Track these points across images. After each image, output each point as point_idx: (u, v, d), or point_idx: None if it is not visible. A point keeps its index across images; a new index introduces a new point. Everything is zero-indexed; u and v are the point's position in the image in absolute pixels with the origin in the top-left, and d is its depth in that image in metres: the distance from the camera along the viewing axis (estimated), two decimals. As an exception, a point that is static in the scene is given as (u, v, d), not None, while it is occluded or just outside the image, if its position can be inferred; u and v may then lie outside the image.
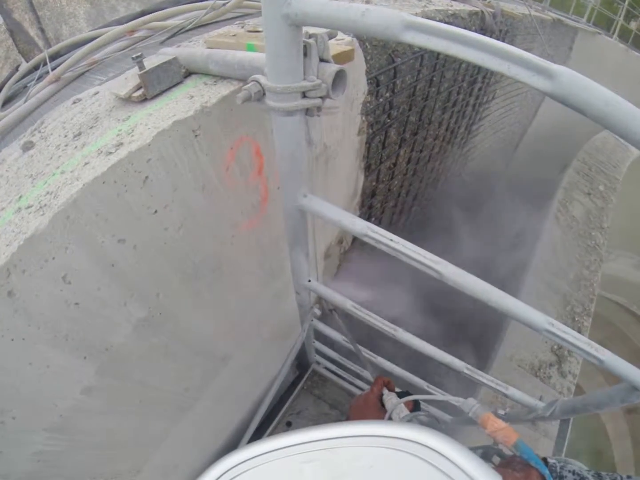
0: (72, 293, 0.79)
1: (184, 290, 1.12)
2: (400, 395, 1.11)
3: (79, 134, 0.94)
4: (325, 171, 1.62)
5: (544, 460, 0.78)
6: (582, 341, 0.88)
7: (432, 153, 3.62)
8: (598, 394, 1.10)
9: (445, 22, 2.48)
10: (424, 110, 2.83)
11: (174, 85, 1.01)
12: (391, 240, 0.91)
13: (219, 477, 0.56)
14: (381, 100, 2.02)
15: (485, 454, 1.20)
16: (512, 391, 1.54)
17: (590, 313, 3.96)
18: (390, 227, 3.78)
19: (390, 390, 1.15)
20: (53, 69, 1.44)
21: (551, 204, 4.68)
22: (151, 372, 1.16)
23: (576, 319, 3.85)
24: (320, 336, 2.07)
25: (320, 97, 0.75)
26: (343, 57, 1.06)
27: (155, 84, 0.96)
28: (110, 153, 0.79)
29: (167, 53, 1.08)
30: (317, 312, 1.78)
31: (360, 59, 1.64)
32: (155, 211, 0.89)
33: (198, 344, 1.35)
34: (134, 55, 0.91)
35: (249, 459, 0.56)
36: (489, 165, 6.02)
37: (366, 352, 1.82)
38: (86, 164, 0.79)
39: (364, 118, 1.81)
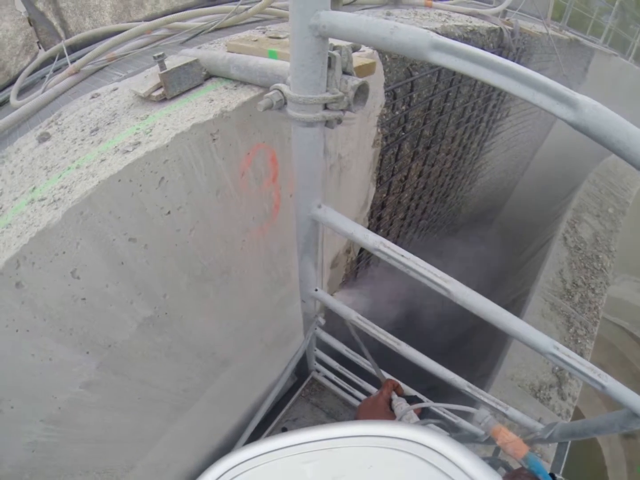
0: (80, 288, 0.79)
1: (191, 292, 1.12)
2: (409, 399, 1.11)
3: (96, 129, 0.94)
4: (338, 181, 1.61)
5: (552, 475, 0.78)
6: (586, 366, 0.88)
7: (443, 168, 3.61)
8: (598, 419, 1.10)
9: (464, 38, 2.50)
10: (438, 125, 2.82)
11: (194, 87, 1.01)
12: (402, 256, 0.91)
13: (218, 477, 0.55)
14: (397, 113, 2.02)
15: (492, 465, 1.18)
16: (512, 411, 1.54)
17: (593, 336, 3.91)
18: (398, 239, 3.77)
19: (399, 394, 1.14)
20: (72, 62, 1.46)
21: (559, 225, 4.64)
22: (152, 370, 1.16)
23: (579, 341, 3.81)
24: (321, 344, 2.06)
25: (342, 110, 0.74)
26: (364, 70, 1.06)
27: (176, 85, 0.97)
28: (127, 152, 0.79)
29: (189, 54, 1.08)
30: (322, 321, 1.77)
31: (379, 72, 1.64)
32: (169, 212, 0.89)
33: (201, 345, 1.35)
34: (155, 54, 0.92)
35: (249, 459, 0.56)
36: (499, 182, 6.00)
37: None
38: (102, 160, 0.79)
39: (379, 130, 1.81)
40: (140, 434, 1.31)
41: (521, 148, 5.92)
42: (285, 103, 0.75)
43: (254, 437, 1.90)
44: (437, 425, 1.10)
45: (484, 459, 1.20)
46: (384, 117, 1.83)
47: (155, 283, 0.97)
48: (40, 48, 1.74)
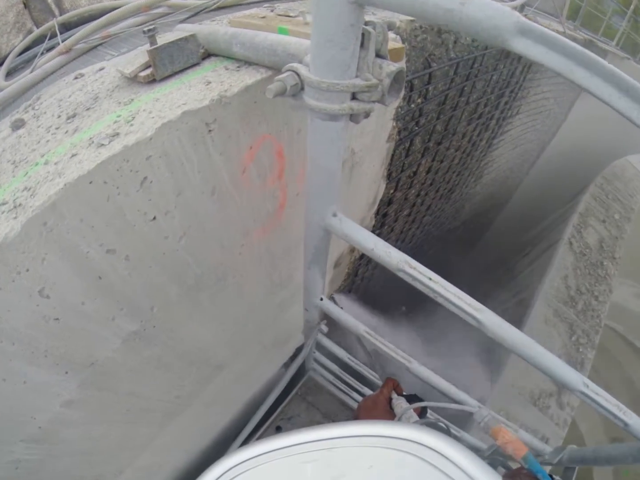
0: (52, 308, 0.69)
1: (183, 302, 1.01)
2: (409, 398, 1.10)
3: (74, 115, 0.79)
4: (348, 179, 1.47)
5: (551, 476, 0.79)
6: (612, 403, 0.86)
7: (451, 164, 3.49)
8: (610, 448, 1.10)
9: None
10: (451, 120, 2.69)
11: (190, 67, 0.86)
12: (430, 279, 0.78)
13: (219, 477, 0.55)
14: (412, 106, 1.87)
15: (491, 464, 1.15)
16: (522, 433, 1.53)
17: (594, 345, 3.84)
18: (402, 235, 3.67)
19: (399, 393, 1.13)
20: (64, 40, 1.34)
21: (566, 228, 4.53)
22: (141, 383, 1.09)
23: (580, 349, 3.74)
24: (321, 347, 1.99)
25: (373, 102, 0.59)
26: (393, 56, 0.89)
27: (167, 64, 0.81)
28: (102, 145, 0.65)
29: (185, 29, 0.93)
30: (325, 328, 1.69)
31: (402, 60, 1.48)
32: (154, 218, 0.76)
33: (194, 354, 1.27)
34: (145, 29, 0.77)
35: (249, 459, 0.55)
36: (503, 179, 5.90)
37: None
38: (73, 155, 0.65)
39: (394, 124, 1.66)
40: (130, 443, 1.25)
41: (528, 147, 5.82)
42: (302, 89, 0.60)
43: (249, 435, 1.98)
44: (436, 424, 1.10)
45: (484, 458, 1.17)
46: (399, 109, 1.68)
47: (140, 296, 0.87)
48: (34, 26, 1.60)
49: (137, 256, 0.78)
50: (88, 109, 0.79)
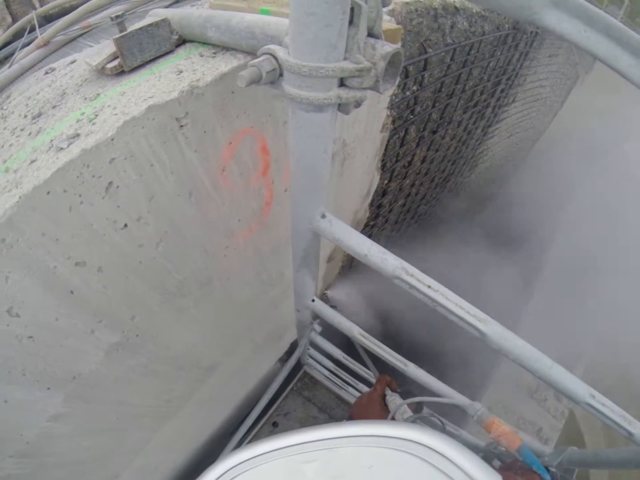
0: (23, 327, 0.66)
1: (166, 309, 0.96)
2: (402, 394, 1.11)
3: (39, 115, 0.72)
4: (340, 172, 1.39)
5: (546, 468, 0.79)
6: (617, 414, 0.85)
7: (447, 153, 3.42)
8: (612, 452, 1.09)
9: (480, 16, 2.25)
10: (447, 108, 2.60)
11: (162, 56, 0.77)
12: (429, 287, 0.71)
13: (218, 477, 0.55)
14: (407, 93, 1.78)
15: (486, 457, 1.17)
16: (522, 435, 1.52)
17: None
18: (396, 225, 3.60)
19: (393, 389, 1.13)
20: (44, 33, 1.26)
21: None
22: (129, 391, 1.06)
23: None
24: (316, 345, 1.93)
25: (365, 89, 0.51)
26: (387, 38, 0.80)
27: (136, 52, 0.73)
28: (61, 149, 0.57)
29: (158, 15, 0.83)
30: (318, 328, 1.63)
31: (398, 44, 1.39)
32: (125, 225, 0.69)
33: (183, 358, 1.23)
34: (113, 15, 0.71)
35: (249, 459, 0.55)
36: (498, 168, 5.83)
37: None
38: (32, 161, 0.58)
39: (389, 113, 1.57)
40: (123, 448, 1.23)
41: (524, 135, 5.73)
42: (281, 75, 0.52)
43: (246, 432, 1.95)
44: (431, 418, 1.12)
45: (479, 451, 1.17)
46: (394, 97, 1.59)
47: (119, 307, 0.82)
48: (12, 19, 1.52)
49: (110, 267, 0.72)
50: (54, 107, 0.72)
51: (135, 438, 1.27)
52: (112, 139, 0.58)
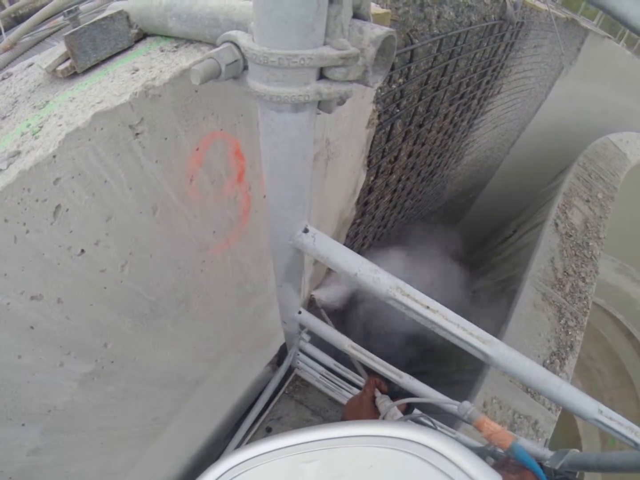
0: None
1: (141, 332, 0.90)
2: (392, 396, 1.11)
3: None
4: (323, 172, 1.30)
5: (540, 464, 0.78)
6: (625, 426, 0.84)
7: (433, 147, 3.36)
8: (614, 456, 1.08)
9: (467, 6, 2.19)
10: (433, 101, 2.54)
11: (120, 53, 0.67)
12: (427, 307, 0.62)
13: (218, 477, 0.54)
14: (394, 87, 1.70)
15: (479, 455, 1.12)
16: (522, 440, 1.52)
17: (583, 327, 3.82)
18: (383, 221, 3.55)
19: (382, 391, 1.13)
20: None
21: (551, 209, 4.45)
22: (110, 417, 1.02)
23: (569, 332, 3.71)
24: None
25: (351, 81, 0.42)
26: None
27: (90, 51, 0.63)
28: (0, 171, 0.47)
29: (117, 7, 0.74)
30: (307, 337, 1.59)
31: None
32: (82, 251, 0.61)
33: (165, 377, 1.18)
34: (66, 9, 0.63)
35: (248, 459, 0.55)
36: (484, 159, 5.82)
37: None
38: None
39: (374, 107, 1.48)
40: (111, 469, 1.20)
41: (509, 126, 5.74)
42: (246, 67, 0.42)
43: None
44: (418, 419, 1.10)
45: (472, 449, 1.16)
46: (379, 91, 1.51)
47: (87, 336, 0.76)
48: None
49: (71, 297, 0.64)
50: (4, 118, 0.62)
51: (124, 458, 1.23)
52: (54, 156, 0.48)
